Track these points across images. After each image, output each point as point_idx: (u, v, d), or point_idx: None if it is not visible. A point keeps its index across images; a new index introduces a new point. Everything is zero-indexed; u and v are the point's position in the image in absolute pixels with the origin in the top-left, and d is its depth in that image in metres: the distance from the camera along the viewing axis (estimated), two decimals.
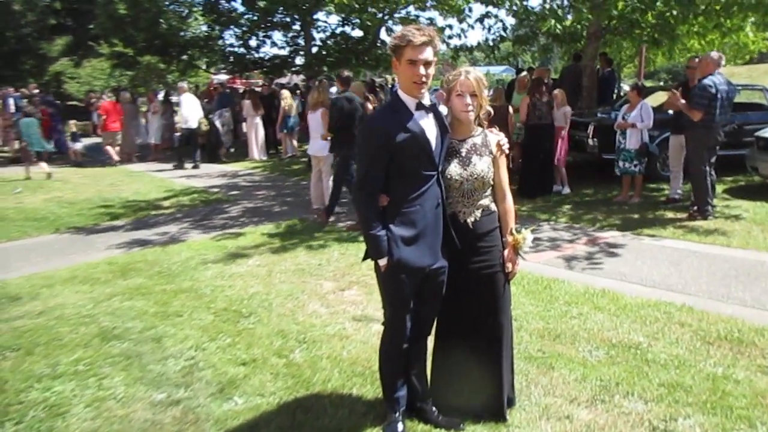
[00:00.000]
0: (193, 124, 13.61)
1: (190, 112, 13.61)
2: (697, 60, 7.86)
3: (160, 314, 4.76)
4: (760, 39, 13.00)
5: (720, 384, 3.37)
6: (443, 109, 2.93)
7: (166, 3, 19.00)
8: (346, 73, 8.31)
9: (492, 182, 2.95)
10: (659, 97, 11.14)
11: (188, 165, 13.74)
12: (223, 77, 24.84)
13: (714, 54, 7.29)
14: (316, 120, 8.18)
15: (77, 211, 9.16)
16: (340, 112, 7.52)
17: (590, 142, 9.41)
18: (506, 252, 2.97)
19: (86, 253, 6.77)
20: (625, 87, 12.59)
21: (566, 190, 9.24)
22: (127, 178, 12.71)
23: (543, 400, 3.28)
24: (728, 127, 8.25)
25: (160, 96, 18.22)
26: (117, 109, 15.11)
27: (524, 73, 9.03)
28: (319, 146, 8.15)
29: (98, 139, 16.74)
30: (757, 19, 10.12)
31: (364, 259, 2.91)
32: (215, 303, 5.01)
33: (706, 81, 6.98)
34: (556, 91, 9.24)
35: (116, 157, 14.70)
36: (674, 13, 9.92)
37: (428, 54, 2.66)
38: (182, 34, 19.66)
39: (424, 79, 2.68)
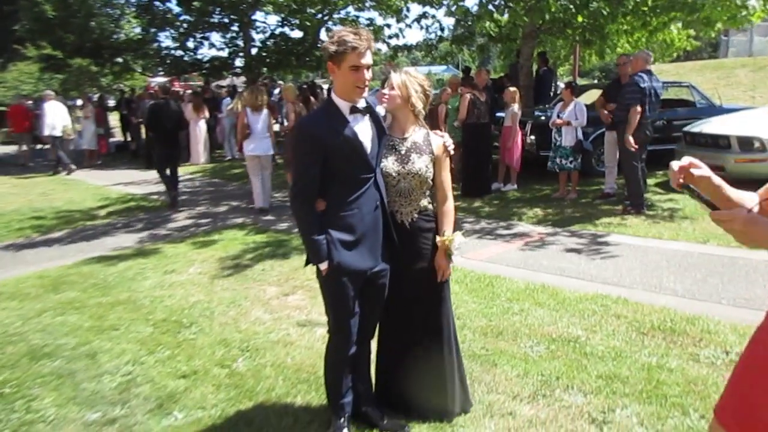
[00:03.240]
0: (58, 132, 14.09)
1: (55, 119, 14.02)
2: (625, 58, 8.21)
3: (95, 329, 4.57)
4: (685, 37, 13.62)
5: (654, 373, 3.48)
6: (380, 110, 2.92)
7: (97, 5, 18.32)
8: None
9: (431, 182, 2.96)
10: (593, 95, 11.49)
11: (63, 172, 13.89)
12: (161, 80, 24.17)
13: (643, 53, 7.61)
14: (262, 121, 8.44)
15: (5, 223, 8.72)
16: None
17: (528, 139, 9.63)
18: (436, 255, 2.95)
19: (15, 267, 6.45)
20: (562, 85, 12.97)
21: (510, 186, 9.44)
22: (60, 186, 12.21)
23: (486, 397, 3.31)
24: (658, 123, 8.61)
25: (94, 99, 17.63)
26: (22, 111, 15.58)
27: (445, 87, 9.19)
28: (266, 146, 8.57)
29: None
30: (681, 17, 10.59)
31: (306, 264, 2.87)
32: (154, 314, 4.85)
33: (636, 78, 7.27)
34: (511, 89, 9.40)
35: (72, 165, 14.23)
36: (604, 12, 10.27)
37: (369, 58, 2.66)
38: (115, 36, 19.01)
39: (367, 83, 2.68)
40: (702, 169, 1.63)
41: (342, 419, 2.97)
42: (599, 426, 3.01)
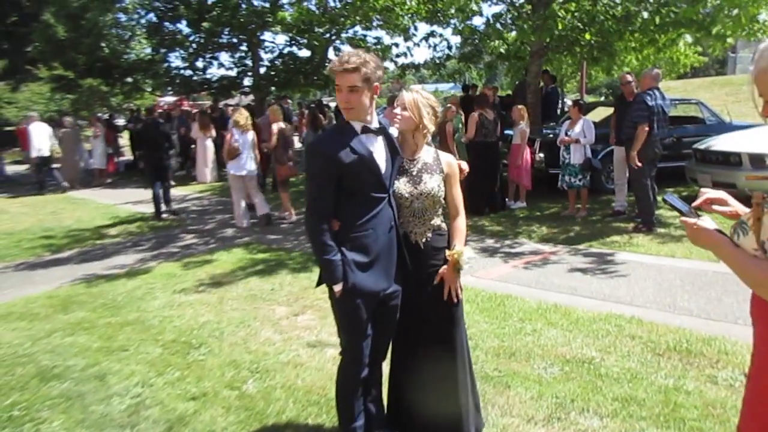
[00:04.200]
0: (46, 152, 14.16)
1: (41, 140, 14.13)
2: (628, 77, 8.22)
3: (104, 350, 4.55)
4: (692, 54, 13.64)
5: (672, 396, 3.42)
6: (393, 131, 2.92)
7: (108, 26, 18.57)
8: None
9: (443, 201, 2.95)
10: (601, 113, 11.49)
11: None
12: (170, 99, 24.39)
13: (652, 71, 7.59)
14: (249, 141, 8.87)
15: (16, 242, 8.76)
16: None
17: (537, 157, 9.61)
18: (443, 269, 2.90)
19: (25, 287, 6.45)
20: (569, 102, 12.99)
21: (519, 204, 9.41)
22: (69, 205, 12.26)
23: (500, 420, 3.26)
24: (668, 140, 8.57)
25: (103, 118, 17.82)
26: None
27: (449, 105, 9.20)
28: (251, 166, 8.92)
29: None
30: (690, 33, 10.61)
31: (318, 284, 2.84)
32: (163, 335, 4.82)
33: (644, 95, 7.26)
34: (519, 107, 9.40)
35: (65, 182, 14.35)
36: (611, 30, 10.30)
37: (352, 80, 2.63)
38: (125, 57, 19.25)
39: (344, 105, 2.68)
40: (724, 207, 1.85)
41: None
42: None
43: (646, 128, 7.15)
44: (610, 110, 9.65)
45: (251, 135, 8.94)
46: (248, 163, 8.87)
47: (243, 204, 9.05)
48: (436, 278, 2.90)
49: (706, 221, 1.75)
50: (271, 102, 17.23)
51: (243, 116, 8.98)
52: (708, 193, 1.84)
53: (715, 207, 1.84)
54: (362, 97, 2.67)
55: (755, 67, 1.58)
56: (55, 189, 14.20)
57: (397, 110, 2.87)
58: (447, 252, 2.90)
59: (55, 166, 14.78)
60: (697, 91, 20.67)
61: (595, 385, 3.60)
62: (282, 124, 9.31)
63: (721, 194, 1.84)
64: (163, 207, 10.15)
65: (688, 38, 10.86)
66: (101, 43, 18.08)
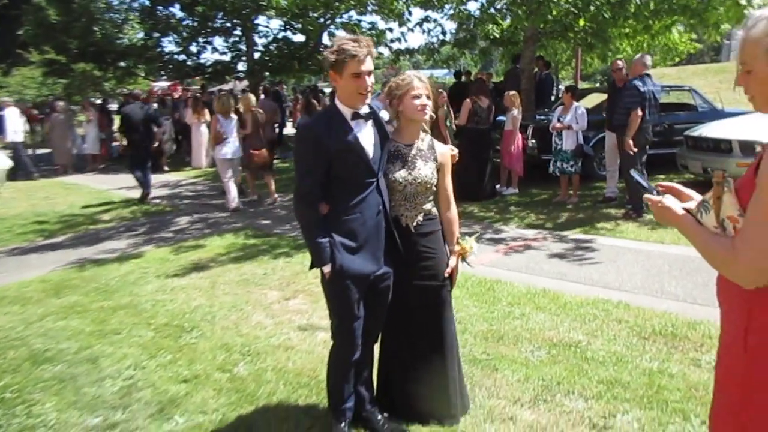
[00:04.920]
0: (19, 137, 14.27)
1: (15, 125, 14.17)
2: (620, 63, 8.24)
3: (96, 333, 4.58)
4: (687, 40, 13.62)
5: (656, 378, 3.48)
6: (384, 115, 2.93)
7: (101, 10, 18.41)
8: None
9: (435, 188, 2.98)
10: (594, 99, 11.50)
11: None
12: (164, 84, 24.24)
13: (642, 57, 7.61)
14: (233, 126, 9.21)
15: (8, 227, 8.75)
16: None
17: (530, 143, 9.63)
18: (452, 260, 3.01)
19: (19, 272, 6.46)
20: (563, 89, 12.99)
21: (511, 190, 9.44)
22: (62, 190, 12.24)
23: (487, 402, 3.31)
24: (659, 127, 8.60)
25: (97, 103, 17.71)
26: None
27: (440, 90, 9.16)
28: (236, 150, 9.24)
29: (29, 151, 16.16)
30: (683, 21, 10.59)
31: (311, 268, 2.88)
32: (156, 318, 4.86)
33: (636, 81, 7.29)
34: (511, 93, 9.41)
35: (34, 171, 14.32)
36: (606, 16, 10.28)
37: (370, 64, 2.68)
38: (118, 41, 19.09)
39: (370, 89, 2.71)
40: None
41: (343, 424, 2.98)
42: (600, 431, 3.01)
43: (640, 113, 7.19)
44: (604, 96, 9.67)
45: (234, 120, 9.26)
46: (234, 147, 9.19)
47: (233, 186, 9.25)
48: (447, 271, 2.99)
49: (671, 200, 1.77)
50: (267, 86, 17.19)
51: (223, 103, 9.28)
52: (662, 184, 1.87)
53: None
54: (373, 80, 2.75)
55: (745, 34, 1.55)
56: (24, 175, 14.02)
57: (423, 100, 2.86)
58: (455, 246, 3.01)
59: (29, 152, 14.74)
60: (691, 78, 20.68)
61: (581, 367, 3.66)
62: (259, 111, 9.69)
63: (673, 185, 1.86)
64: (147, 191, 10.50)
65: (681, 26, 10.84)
66: (93, 27, 17.93)
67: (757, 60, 1.53)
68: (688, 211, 1.72)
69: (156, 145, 11.61)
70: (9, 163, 11.42)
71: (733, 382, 1.67)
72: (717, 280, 1.77)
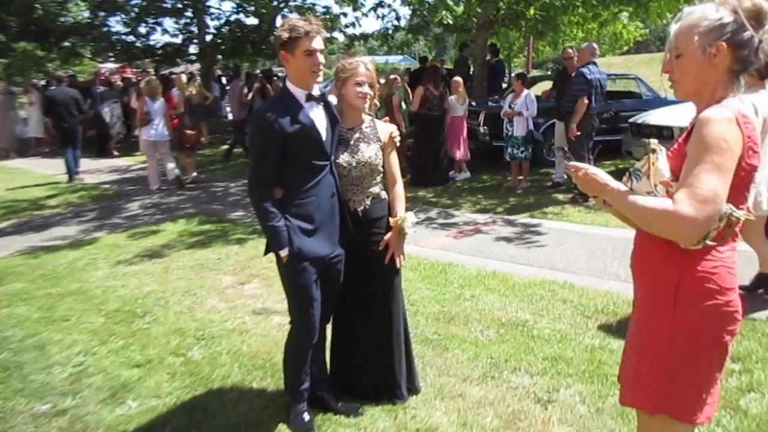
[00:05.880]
0: None
1: None
2: (570, 51, 8.46)
3: (43, 320, 4.49)
4: (634, 29, 14.04)
5: (597, 354, 3.65)
6: (332, 99, 2.97)
7: None
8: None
9: (381, 169, 3.03)
10: (544, 86, 11.74)
11: None
12: (111, 66, 23.45)
13: (589, 45, 7.85)
14: (159, 108, 9.32)
15: None
16: None
17: (481, 129, 9.80)
18: (388, 235, 3.00)
19: None
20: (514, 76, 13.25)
21: (464, 175, 9.58)
22: (4, 175, 11.79)
23: (438, 380, 3.42)
24: (605, 114, 8.87)
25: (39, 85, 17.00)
26: None
27: (394, 76, 9.21)
28: (161, 132, 9.36)
29: None
30: (629, 11, 10.92)
31: (266, 252, 2.90)
32: (106, 304, 4.79)
33: (583, 69, 7.53)
34: (455, 79, 9.50)
35: None
36: (556, 3, 10.51)
37: (321, 42, 2.73)
38: (62, 19, 18.34)
39: (321, 67, 2.74)
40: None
41: (302, 404, 3.02)
42: (544, 405, 3.15)
43: (586, 101, 7.41)
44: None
45: (160, 102, 9.42)
46: (159, 129, 9.33)
47: (155, 166, 9.60)
48: (381, 244, 2.99)
49: (595, 168, 1.83)
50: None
51: (150, 86, 9.48)
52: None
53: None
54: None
55: (681, 22, 1.68)
56: None
57: (365, 89, 2.89)
58: (391, 219, 3.00)
59: None
60: (638, 67, 21.29)
61: (527, 345, 3.81)
62: (192, 91, 9.97)
63: (579, 165, 1.90)
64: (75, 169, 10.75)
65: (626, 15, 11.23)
66: (35, 3, 17.17)
67: (689, 44, 1.68)
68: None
69: (95, 131, 11.77)
70: None
71: (657, 345, 1.78)
72: (632, 254, 1.88)
